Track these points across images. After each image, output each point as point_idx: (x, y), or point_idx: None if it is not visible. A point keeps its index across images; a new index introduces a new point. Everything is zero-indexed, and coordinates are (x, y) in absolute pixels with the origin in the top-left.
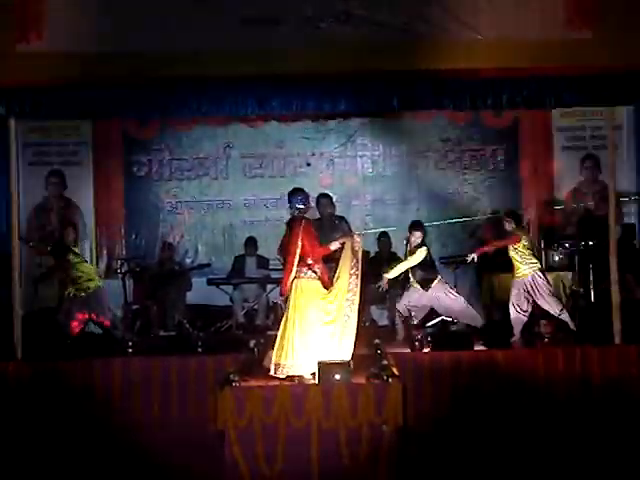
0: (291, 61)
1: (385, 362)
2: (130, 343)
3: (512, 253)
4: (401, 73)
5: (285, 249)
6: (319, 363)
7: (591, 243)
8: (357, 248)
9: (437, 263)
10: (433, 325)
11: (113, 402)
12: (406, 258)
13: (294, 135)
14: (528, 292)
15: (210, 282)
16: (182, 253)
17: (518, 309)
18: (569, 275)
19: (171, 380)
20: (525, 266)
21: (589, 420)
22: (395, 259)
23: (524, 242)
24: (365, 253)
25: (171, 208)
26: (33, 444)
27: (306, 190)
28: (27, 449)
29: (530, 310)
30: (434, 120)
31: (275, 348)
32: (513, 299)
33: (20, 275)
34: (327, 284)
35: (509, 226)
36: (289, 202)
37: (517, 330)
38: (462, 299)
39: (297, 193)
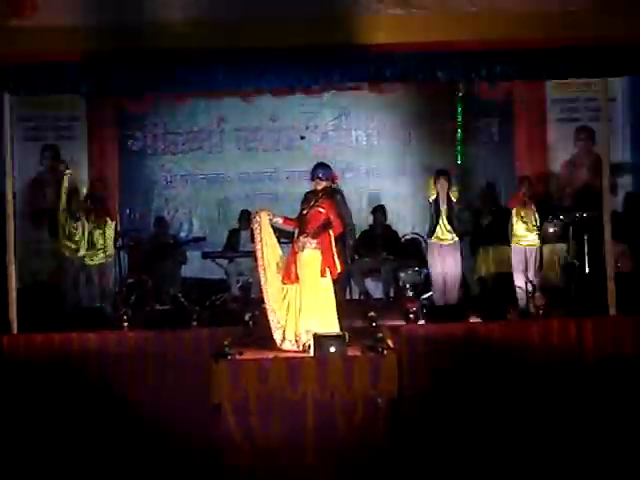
0: (285, 33)
1: (380, 334)
2: (125, 317)
3: (518, 220)
4: (395, 45)
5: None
6: (314, 335)
7: (585, 215)
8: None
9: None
10: (428, 297)
11: (108, 375)
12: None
13: (288, 108)
14: (526, 262)
15: (205, 256)
16: (177, 227)
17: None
18: (564, 247)
19: (166, 353)
20: (533, 235)
21: (584, 391)
22: (390, 232)
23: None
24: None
25: (166, 182)
26: (29, 418)
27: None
28: (22, 423)
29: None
30: (429, 92)
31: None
32: (519, 266)
33: (15, 249)
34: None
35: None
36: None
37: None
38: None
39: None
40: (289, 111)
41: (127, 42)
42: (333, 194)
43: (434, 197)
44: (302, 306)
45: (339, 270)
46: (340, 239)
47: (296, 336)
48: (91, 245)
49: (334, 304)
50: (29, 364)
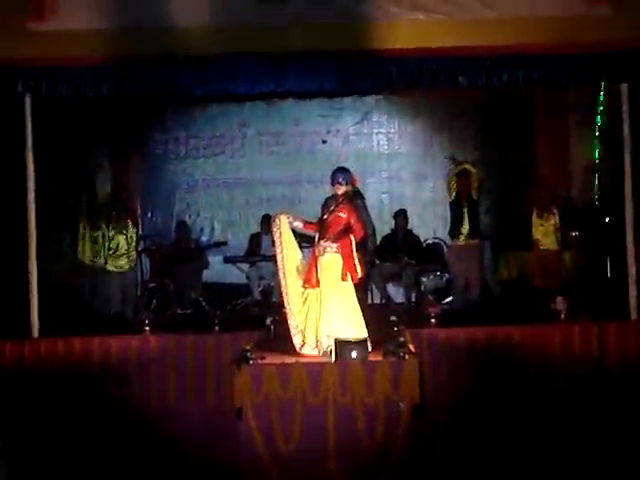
0: (307, 38)
1: (402, 339)
2: (147, 321)
3: (538, 224)
4: (416, 50)
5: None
6: (336, 340)
7: (607, 219)
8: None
9: None
10: (449, 302)
11: (130, 379)
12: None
13: (310, 112)
14: (547, 266)
15: (227, 260)
16: (198, 231)
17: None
18: (585, 251)
19: (188, 358)
20: (553, 239)
21: (606, 396)
22: (412, 237)
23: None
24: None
25: (187, 186)
26: (50, 421)
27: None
28: (44, 427)
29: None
30: (449, 97)
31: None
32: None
33: (36, 253)
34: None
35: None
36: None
37: None
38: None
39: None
40: (311, 115)
41: (147, 46)
42: (354, 198)
43: (454, 198)
44: (322, 310)
45: (360, 275)
46: (361, 243)
47: (317, 341)
48: (114, 251)
49: (356, 308)
50: (50, 368)
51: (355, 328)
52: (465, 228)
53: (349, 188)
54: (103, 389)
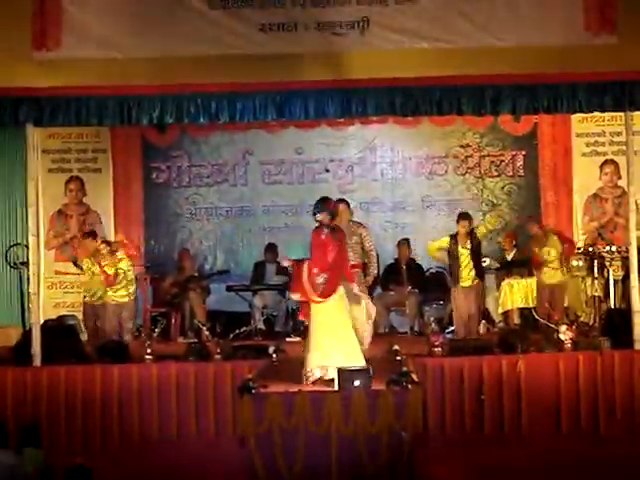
0: (310, 67)
1: (405, 368)
2: (149, 350)
3: (542, 254)
4: (420, 79)
5: (337, 260)
6: (339, 369)
7: (612, 249)
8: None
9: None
10: (452, 331)
11: (131, 408)
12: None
13: (313, 141)
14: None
15: (229, 289)
16: (201, 260)
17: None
18: (588, 281)
19: (189, 387)
20: (557, 269)
21: (610, 425)
22: (415, 266)
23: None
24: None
25: (190, 215)
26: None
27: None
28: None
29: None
30: (453, 126)
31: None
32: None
33: (38, 282)
34: None
35: (536, 229)
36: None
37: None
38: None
39: (329, 201)
40: (314, 144)
41: (150, 76)
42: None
43: (449, 244)
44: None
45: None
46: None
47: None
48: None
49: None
50: (52, 397)
51: (350, 357)
52: (466, 271)
53: (326, 218)
54: (104, 417)
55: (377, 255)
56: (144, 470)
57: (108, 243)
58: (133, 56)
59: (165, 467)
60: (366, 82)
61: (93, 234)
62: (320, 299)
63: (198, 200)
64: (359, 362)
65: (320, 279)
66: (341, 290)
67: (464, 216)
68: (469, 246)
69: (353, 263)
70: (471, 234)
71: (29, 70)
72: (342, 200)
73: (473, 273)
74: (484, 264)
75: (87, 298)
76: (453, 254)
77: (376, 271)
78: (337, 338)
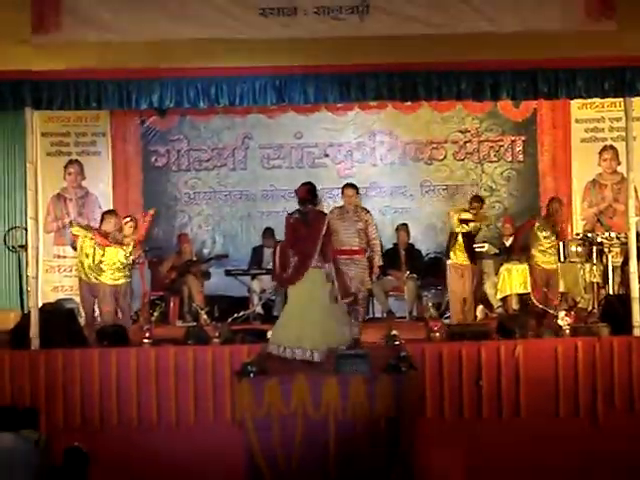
0: (309, 52)
1: (403, 353)
2: (147, 334)
3: (538, 240)
4: (419, 65)
5: (306, 244)
6: (337, 354)
7: (611, 235)
8: None
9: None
10: (450, 316)
11: (129, 392)
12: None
13: (312, 126)
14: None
15: (228, 273)
16: (200, 244)
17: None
18: (587, 267)
19: (188, 370)
20: (553, 255)
21: (608, 411)
22: (414, 251)
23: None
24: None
25: (189, 199)
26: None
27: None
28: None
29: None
30: (452, 111)
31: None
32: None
33: (37, 266)
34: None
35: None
36: (314, 197)
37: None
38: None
39: (300, 187)
40: (313, 129)
41: (150, 59)
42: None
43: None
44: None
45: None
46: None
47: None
48: (111, 264)
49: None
50: (50, 380)
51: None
52: (460, 255)
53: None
54: (102, 400)
55: (381, 244)
56: (142, 454)
57: (132, 219)
58: (132, 39)
59: (163, 451)
60: (365, 67)
61: (112, 212)
62: (288, 282)
63: (197, 184)
64: (332, 344)
65: (291, 263)
66: (315, 273)
67: (477, 199)
68: (460, 237)
69: (356, 248)
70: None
71: (28, 53)
72: (350, 185)
73: (463, 257)
74: (482, 249)
75: (83, 276)
76: (451, 236)
77: (381, 262)
78: (306, 320)
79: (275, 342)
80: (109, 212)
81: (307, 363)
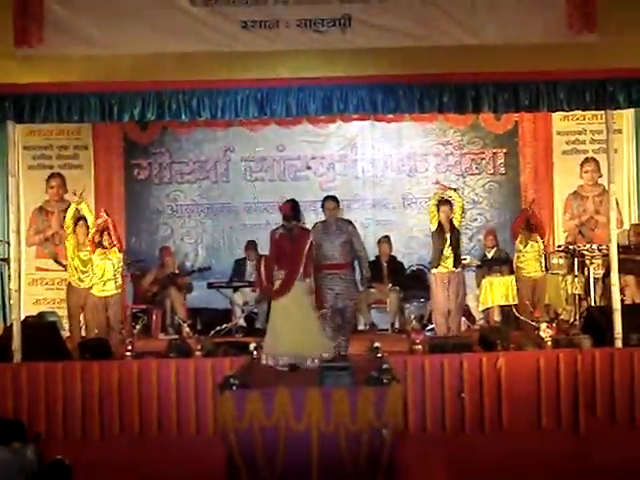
0: (291, 65)
1: (385, 365)
2: (130, 347)
3: (522, 251)
4: (401, 77)
5: (292, 259)
6: (321, 366)
7: (593, 247)
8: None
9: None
10: (432, 328)
11: (111, 405)
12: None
13: (294, 139)
14: (532, 293)
15: (210, 286)
16: (182, 257)
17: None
18: (569, 278)
19: (170, 383)
20: (537, 266)
21: (590, 423)
22: (396, 263)
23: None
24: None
25: (171, 211)
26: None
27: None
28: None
29: None
30: (434, 123)
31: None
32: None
33: (19, 279)
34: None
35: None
36: (297, 213)
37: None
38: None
39: (297, 205)
40: (295, 141)
41: (132, 72)
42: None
43: (436, 227)
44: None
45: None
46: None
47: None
48: (100, 276)
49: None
50: (32, 393)
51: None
52: (448, 257)
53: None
54: (85, 413)
55: (367, 256)
56: (125, 465)
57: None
58: (115, 53)
59: (145, 462)
60: (347, 80)
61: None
62: (276, 295)
63: (179, 197)
64: (316, 353)
65: (276, 277)
66: (300, 286)
67: (444, 202)
68: (449, 235)
69: (341, 262)
70: (451, 223)
71: (11, 66)
72: (331, 197)
73: (451, 261)
74: (464, 262)
75: (72, 281)
76: (436, 238)
77: (369, 274)
78: (293, 331)
79: (270, 353)
80: (81, 219)
81: (295, 373)
